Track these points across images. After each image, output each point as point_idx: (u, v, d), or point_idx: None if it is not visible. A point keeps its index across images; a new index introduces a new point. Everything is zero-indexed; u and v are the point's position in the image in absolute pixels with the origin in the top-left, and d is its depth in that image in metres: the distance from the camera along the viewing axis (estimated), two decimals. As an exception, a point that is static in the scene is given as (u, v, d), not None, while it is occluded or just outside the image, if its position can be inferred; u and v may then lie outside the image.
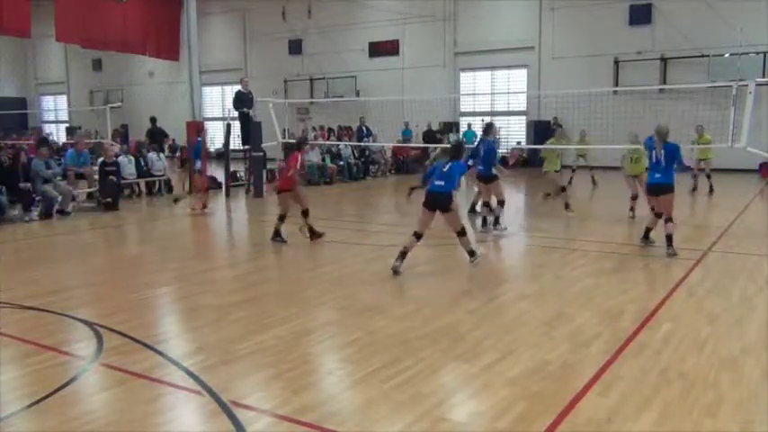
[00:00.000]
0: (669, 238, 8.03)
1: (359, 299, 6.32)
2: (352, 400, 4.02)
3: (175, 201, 13.86)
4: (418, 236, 7.30)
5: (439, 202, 7.31)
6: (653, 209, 8.51)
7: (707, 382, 4.18)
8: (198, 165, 14.23)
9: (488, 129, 10.46)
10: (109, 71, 33.02)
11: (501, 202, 10.10)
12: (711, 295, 6.35)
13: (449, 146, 10.44)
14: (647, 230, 8.61)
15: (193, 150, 15.05)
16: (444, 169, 7.40)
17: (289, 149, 9.62)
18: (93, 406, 3.99)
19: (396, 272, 7.13)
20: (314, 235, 9.22)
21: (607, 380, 4.21)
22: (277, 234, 9.16)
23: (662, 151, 8.12)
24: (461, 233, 7.46)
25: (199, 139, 14.90)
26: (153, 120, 19.85)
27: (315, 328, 5.43)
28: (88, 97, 33.84)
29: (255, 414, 3.79)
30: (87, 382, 4.37)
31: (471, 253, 7.53)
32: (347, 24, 26.41)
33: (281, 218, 9.18)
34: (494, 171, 10.12)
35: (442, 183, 7.34)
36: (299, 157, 9.17)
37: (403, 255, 7.23)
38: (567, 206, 11.46)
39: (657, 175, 8.17)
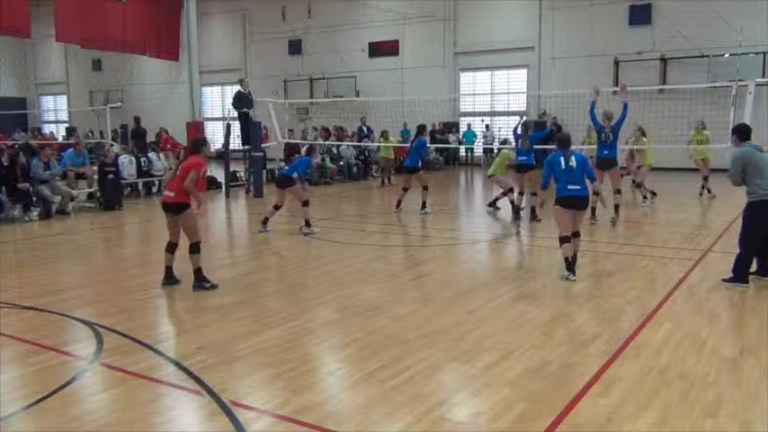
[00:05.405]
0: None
1: (359, 299, 6.32)
2: (351, 400, 4.02)
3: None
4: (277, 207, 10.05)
5: (280, 182, 10.09)
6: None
7: (707, 382, 4.18)
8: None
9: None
10: (109, 71, 33.00)
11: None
12: (711, 295, 6.35)
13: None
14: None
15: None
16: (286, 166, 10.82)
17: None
18: (93, 406, 3.99)
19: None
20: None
21: (607, 380, 4.21)
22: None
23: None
24: (305, 204, 9.84)
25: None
26: (137, 119, 19.54)
27: (315, 328, 5.43)
28: (88, 97, 33.82)
29: (255, 414, 3.79)
30: (87, 382, 4.37)
31: (308, 223, 9.87)
32: (347, 24, 26.40)
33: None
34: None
35: (287, 167, 10.60)
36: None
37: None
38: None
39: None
